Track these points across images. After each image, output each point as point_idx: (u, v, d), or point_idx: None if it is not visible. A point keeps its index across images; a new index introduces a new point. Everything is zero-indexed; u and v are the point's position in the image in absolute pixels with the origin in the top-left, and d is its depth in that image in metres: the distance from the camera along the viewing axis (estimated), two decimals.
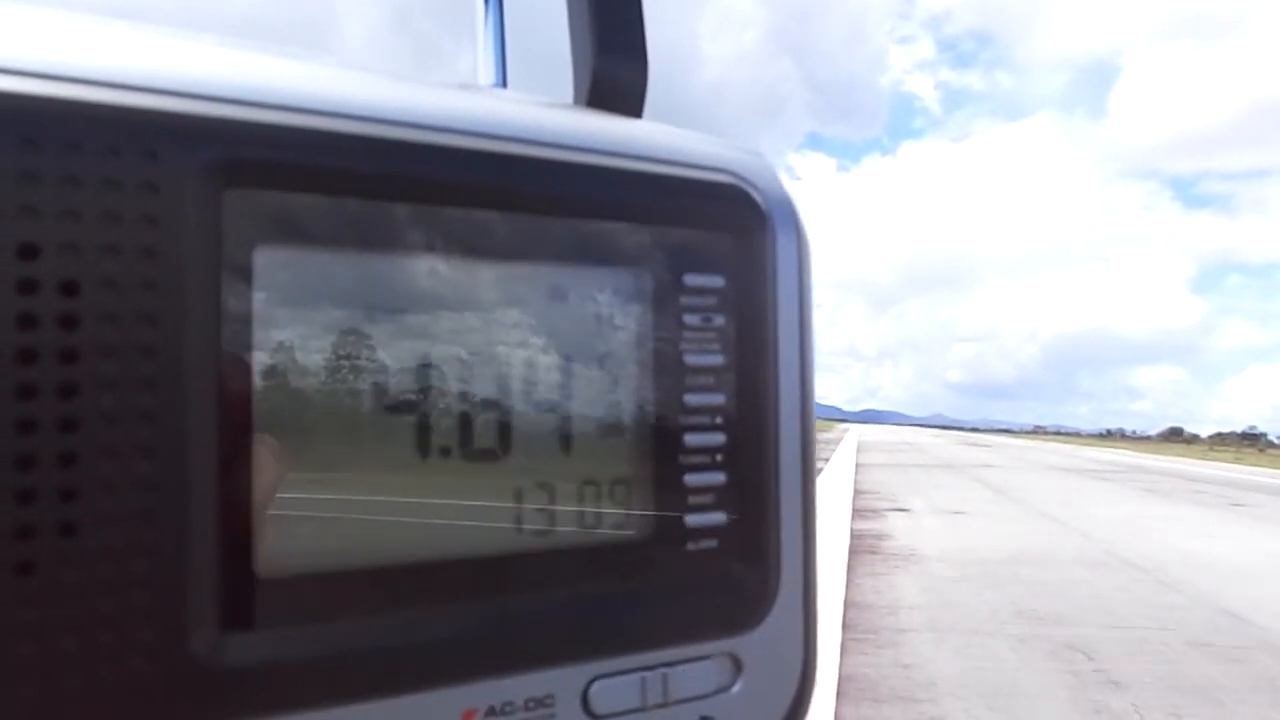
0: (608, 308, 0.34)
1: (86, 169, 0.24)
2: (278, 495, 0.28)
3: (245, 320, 0.27)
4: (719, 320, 0.36)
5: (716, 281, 0.36)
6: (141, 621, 0.24)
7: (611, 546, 0.34)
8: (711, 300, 0.36)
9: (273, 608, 0.27)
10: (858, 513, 10.74)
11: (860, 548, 8.01)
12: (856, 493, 13.37)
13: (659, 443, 0.35)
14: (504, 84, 0.52)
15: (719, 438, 0.36)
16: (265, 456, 0.27)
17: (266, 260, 0.27)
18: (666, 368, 0.35)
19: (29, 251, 0.23)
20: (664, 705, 0.34)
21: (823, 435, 46.87)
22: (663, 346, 0.35)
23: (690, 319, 0.35)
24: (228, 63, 0.28)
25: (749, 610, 0.36)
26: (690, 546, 0.35)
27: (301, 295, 0.28)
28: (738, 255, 0.36)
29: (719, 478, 0.36)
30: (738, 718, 0.36)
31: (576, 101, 0.38)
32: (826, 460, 21.21)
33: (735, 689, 0.36)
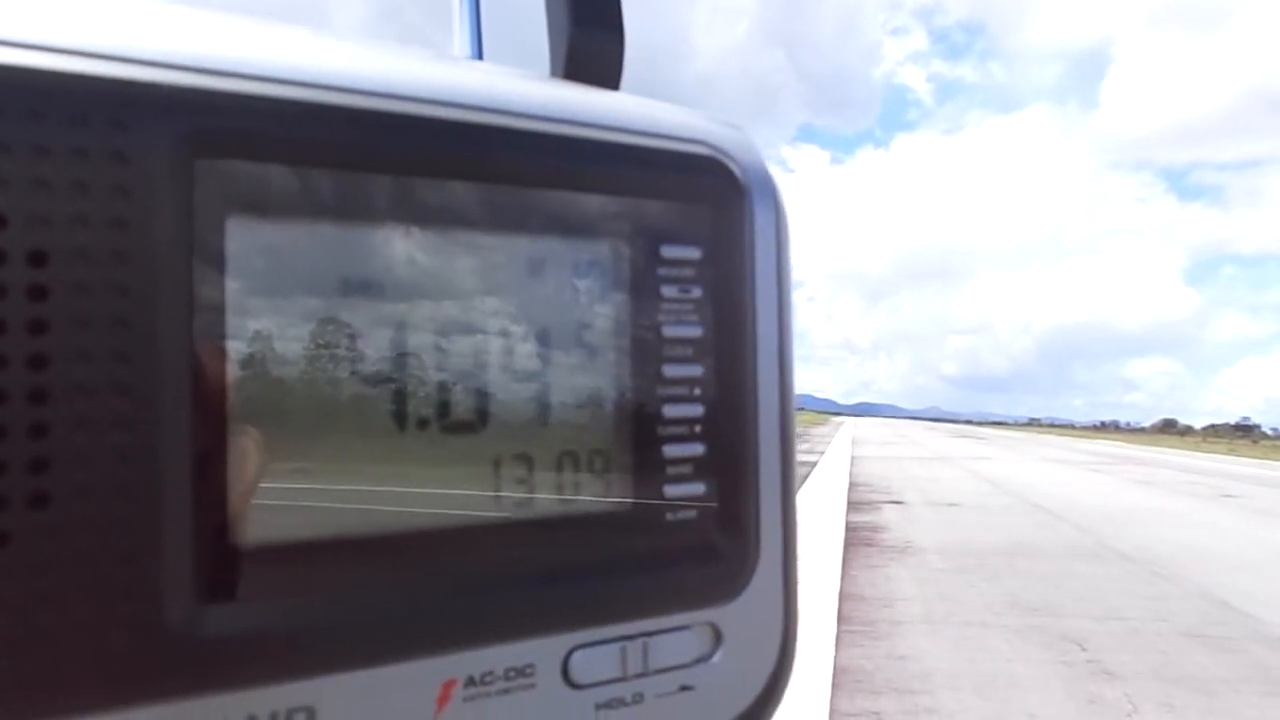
0: (585, 279, 0.34)
1: (54, 139, 0.24)
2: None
3: (218, 292, 0.27)
4: (697, 292, 0.36)
5: (694, 253, 0.36)
6: (118, 593, 0.24)
7: (590, 517, 0.34)
8: (689, 272, 0.36)
9: (251, 579, 0.27)
10: (853, 505, 10.77)
11: (856, 540, 8.03)
12: (852, 485, 13.41)
13: (638, 414, 0.35)
14: (480, 56, 0.52)
15: (698, 409, 0.36)
16: (243, 430, 0.27)
17: (238, 231, 0.27)
18: (645, 339, 0.35)
19: None
20: (644, 675, 0.34)
21: (817, 429, 46.91)
22: (640, 318, 0.35)
23: (668, 290, 0.35)
24: (198, 31, 0.27)
25: (729, 581, 0.36)
26: (669, 517, 0.35)
27: (275, 267, 0.28)
28: (715, 227, 0.36)
29: (698, 449, 0.36)
30: (718, 687, 0.36)
31: (553, 74, 0.38)
32: (821, 454, 21.24)
33: (715, 659, 0.36)
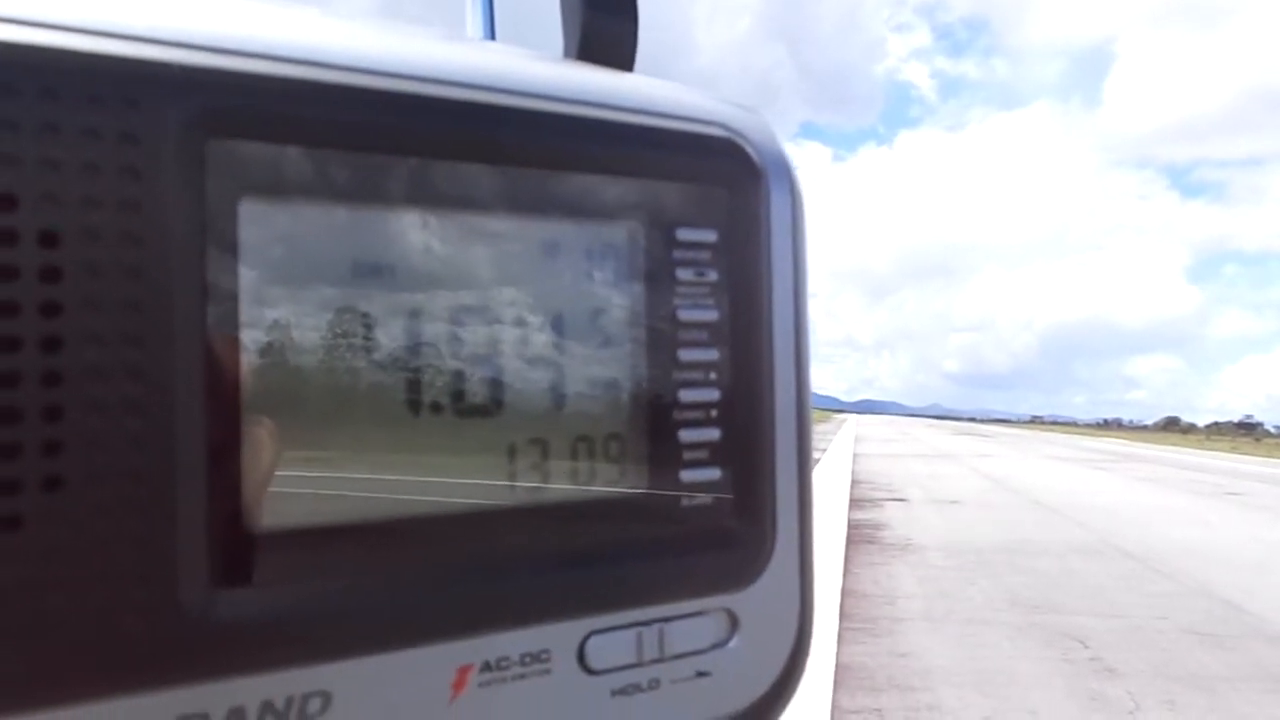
0: (600, 263, 0.34)
1: (65, 118, 0.24)
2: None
3: (230, 275, 0.26)
4: (712, 275, 0.36)
5: (710, 236, 0.36)
6: (132, 577, 0.24)
7: (606, 502, 0.34)
8: (705, 255, 0.35)
9: (266, 564, 0.27)
10: (855, 503, 10.77)
11: (858, 537, 8.03)
12: (854, 483, 13.41)
13: (653, 398, 0.35)
14: (492, 38, 0.52)
15: (714, 393, 0.35)
16: (258, 419, 0.27)
17: (252, 214, 0.27)
18: (660, 323, 0.35)
19: (7, 202, 0.23)
20: (660, 660, 0.34)
21: (820, 426, 46.93)
22: (656, 301, 0.35)
23: (683, 274, 0.35)
24: (210, 10, 0.27)
25: (745, 566, 0.36)
26: (685, 502, 0.35)
27: (289, 250, 0.28)
28: (731, 209, 0.36)
29: (714, 433, 0.35)
30: (734, 673, 0.36)
31: (566, 55, 0.37)
32: (824, 450, 21.25)
33: (731, 644, 0.36)
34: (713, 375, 0.35)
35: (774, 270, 0.37)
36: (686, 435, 0.35)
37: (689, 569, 0.35)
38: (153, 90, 0.25)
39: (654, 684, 0.34)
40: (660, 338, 0.35)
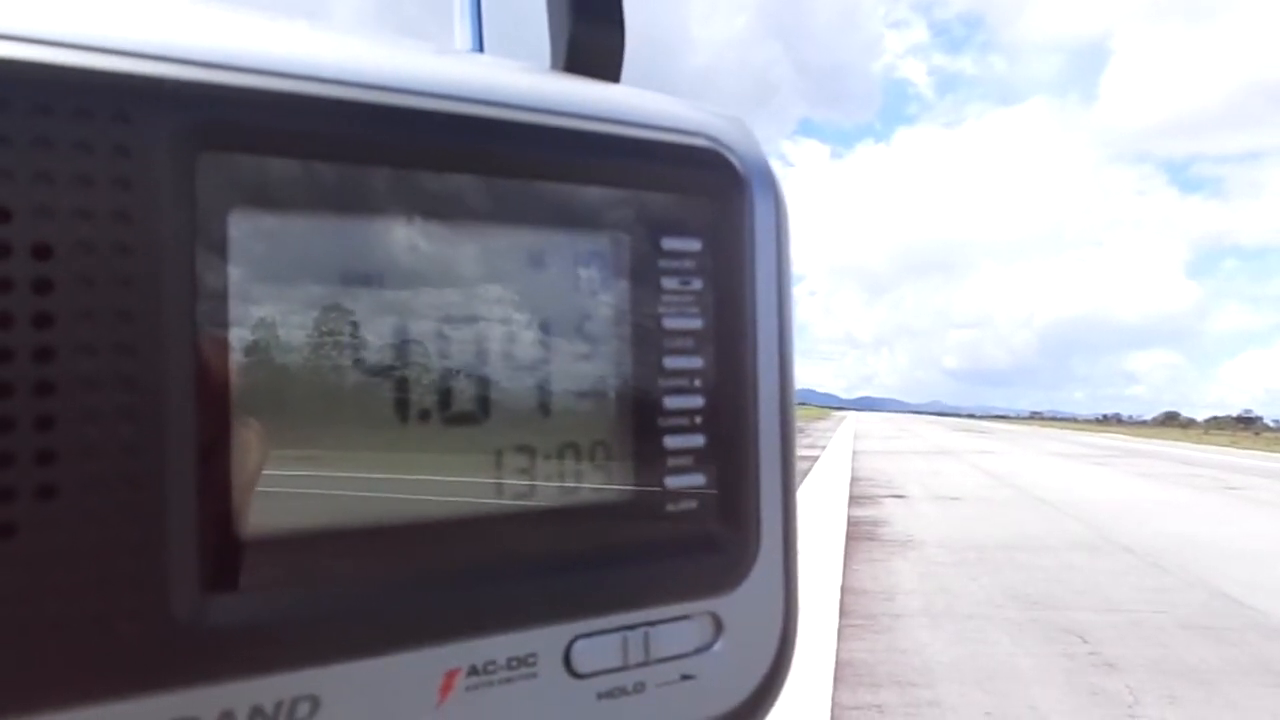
0: (585, 271, 0.34)
1: (58, 132, 0.24)
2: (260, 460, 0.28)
3: (221, 285, 0.27)
4: (697, 284, 0.36)
5: (694, 245, 0.36)
6: (124, 584, 0.24)
7: (592, 508, 0.34)
8: (689, 264, 0.36)
9: (254, 569, 0.27)
10: (855, 499, 10.77)
11: (857, 534, 8.04)
12: (854, 480, 13.41)
13: (639, 405, 0.35)
14: (480, 49, 0.52)
15: (698, 400, 0.36)
16: (245, 421, 0.28)
17: (242, 225, 0.27)
18: (645, 331, 0.35)
19: (1, 215, 0.23)
20: (645, 664, 0.34)
21: (819, 424, 46.88)
22: (641, 310, 0.35)
23: (668, 283, 0.35)
24: (201, 25, 0.28)
25: (729, 571, 0.36)
26: (670, 508, 0.35)
27: (277, 261, 0.28)
28: (715, 219, 0.36)
29: (698, 440, 0.36)
30: (719, 677, 0.36)
31: (553, 66, 0.38)
32: (823, 448, 21.24)
33: (716, 648, 0.36)
34: (697, 382, 0.36)
35: (758, 278, 0.37)
36: (671, 441, 0.35)
37: (674, 573, 0.35)
38: (145, 104, 0.25)
39: (639, 687, 0.34)
40: (645, 346, 0.35)
